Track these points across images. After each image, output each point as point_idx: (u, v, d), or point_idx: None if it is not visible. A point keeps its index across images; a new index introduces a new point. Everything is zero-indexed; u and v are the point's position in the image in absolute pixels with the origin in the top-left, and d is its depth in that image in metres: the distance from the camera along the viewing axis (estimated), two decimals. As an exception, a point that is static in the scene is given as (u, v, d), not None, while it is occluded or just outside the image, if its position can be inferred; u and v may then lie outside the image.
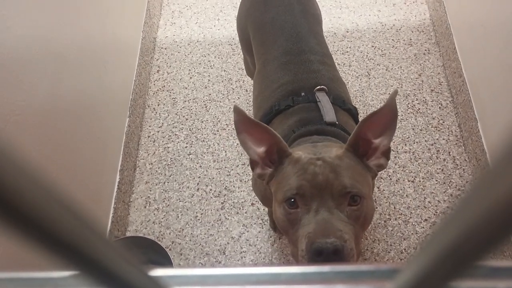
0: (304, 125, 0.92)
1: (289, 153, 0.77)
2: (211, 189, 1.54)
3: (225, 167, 1.58)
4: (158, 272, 0.22)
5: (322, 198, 0.71)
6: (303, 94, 0.97)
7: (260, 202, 1.19)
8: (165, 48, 1.94)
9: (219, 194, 1.52)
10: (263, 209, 1.48)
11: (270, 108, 1.00)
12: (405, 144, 1.59)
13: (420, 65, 1.79)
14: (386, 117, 0.76)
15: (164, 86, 1.82)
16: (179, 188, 1.55)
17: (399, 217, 1.44)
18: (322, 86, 0.97)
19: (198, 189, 1.54)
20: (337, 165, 0.73)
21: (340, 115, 0.96)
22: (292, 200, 0.73)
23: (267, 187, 0.93)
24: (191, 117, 1.72)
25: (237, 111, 0.78)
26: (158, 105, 1.77)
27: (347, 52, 1.85)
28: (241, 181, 1.55)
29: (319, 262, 0.67)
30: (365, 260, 1.37)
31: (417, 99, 1.70)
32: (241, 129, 0.79)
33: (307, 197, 0.72)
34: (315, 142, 0.85)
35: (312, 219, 0.70)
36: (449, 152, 1.57)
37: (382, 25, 1.92)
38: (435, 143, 1.59)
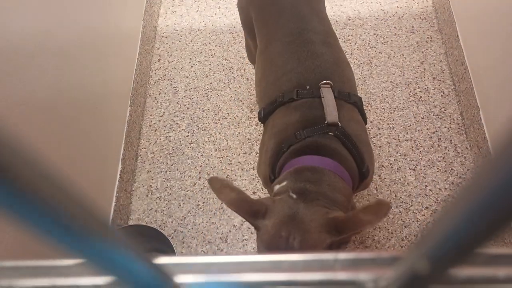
0: (305, 127, 0.91)
1: (264, 211, 0.78)
2: (212, 178, 1.54)
3: (227, 156, 1.58)
4: (162, 260, 0.22)
5: None
6: (308, 87, 0.97)
7: (262, 184, 1.20)
8: (166, 37, 1.93)
9: (220, 183, 1.53)
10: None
11: (275, 98, 1.00)
12: (407, 132, 1.59)
13: (422, 52, 1.78)
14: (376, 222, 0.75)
15: (165, 75, 1.82)
16: (181, 177, 1.56)
17: (400, 205, 1.45)
18: (327, 81, 0.96)
19: (200, 178, 1.55)
20: (303, 240, 0.73)
21: (345, 111, 0.95)
22: None
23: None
24: (192, 106, 1.72)
25: (212, 185, 0.79)
26: (159, 94, 1.77)
27: (349, 40, 1.84)
28: (242, 169, 1.55)
29: None
30: (366, 248, 1.38)
31: (419, 87, 1.69)
32: (221, 198, 0.79)
33: None
34: (302, 186, 0.82)
35: None
36: (451, 140, 1.57)
37: (384, 13, 1.91)
38: (436, 131, 1.59)
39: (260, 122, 1.11)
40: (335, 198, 0.83)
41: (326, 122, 0.90)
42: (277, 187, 0.87)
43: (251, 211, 0.78)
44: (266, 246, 0.75)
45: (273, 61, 1.05)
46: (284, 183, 0.86)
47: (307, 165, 0.86)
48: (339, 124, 0.91)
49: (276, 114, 0.99)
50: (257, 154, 1.57)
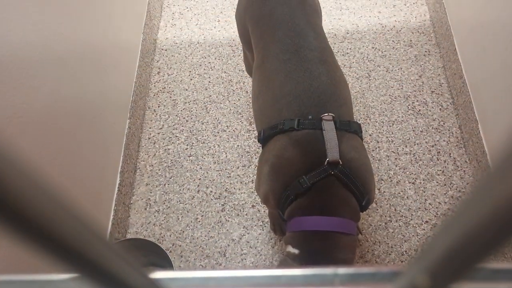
0: (307, 168, 0.92)
1: None
2: (211, 191, 1.54)
3: (226, 169, 1.58)
4: (159, 274, 0.22)
5: None
6: (310, 117, 0.97)
7: (261, 202, 1.19)
8: (166, 50, 1.94)
9: (219, 196, 1.52)
10: (264, 211, 1.48)
11: (275, 124, 1.00)
12: (406, 146, 1.59)
13: (421, 66, 1.79)
14: None
15: (165, 87, 1.82)
16: (180, 190, 1.55)
17: (399, 219, 1.44)
18: (329, 114, 0.97)
19: (198, 191, 1.54)
20: None
21: (345, 140, 0.96)
22: None
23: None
24: (191, 118, 1.72)
25: None
26: (159, 106, 1.77)
27: (347, 53, 1.85)
28: (241, 183, 1.54)
29: None
30: (366, 263, 1.37)
31: (417, 101, 1.70)
32: None
33: None
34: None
35: None
36: (450, 154, 1.57)
37: (383, 27, 1.93)
38: (435, 144, 1.59)
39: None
40: (347, 260, 0.90)
41: (327, 160, 0.91)
42: (290, 249, 0.93)
43: None
44: None
45: (270, 78, 1.05)
46: (296, 252, 0.91)
47: (316, 230, 0.90)
48: (340, 162, 0.91)
49: (276, 142, 0.99)
50: (256, 167, 1.56)
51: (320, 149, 0.93)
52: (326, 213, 0.91)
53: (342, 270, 0.22)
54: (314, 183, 0.91)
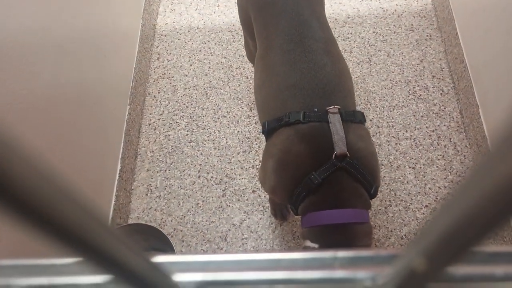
0: (316, 164, 0.92)
1: None
2: (212, 177, 1.54)
3: (226, 155, 1.58)
4: (160, 258, 0.22)
5: None
6: (315, 109, 0.96)
7: (266, 192, 1.19)
8: (165, 35, 1.93)
9: (220, 182, 1.53)
10: (264, 196, 1.48)
11: (281, 117, 0.99)
12: (406, 131, 1.59)
13: (422, 51, 1.78)
14: None
15: (165, 73, 1.82)
16: (180, 175, 1.56)
17: (399, 204, 1.45)
18: (335, 107, 0.96)
19: (199, 177, 1.55)
20: None
21: (352, 131, 0.95)
22: None
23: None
24: (191, 104, 1.72)
25: None
26: (159, 92, 1.77)
27: (348, 38, 1.84)
28: (242, 168, 1.55)
29: None
30: (366, 246, 1.39)
31: (418, 85, 1.69)
32: None
33: None
34: None
35: None
36: (450, 139, 1.57)
37: (384, 11, 1.91)
38: (436, 129, 1.59)
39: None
40: (366, 246, 0.92)
41: (335, 153, 0.91)
42: (309, 244, 0.95)
43: None
44: None
45: (274, 69, 1.04)
46: (316, 246, 0.93)
47: (332, 224, 0.91)
48: (348, 154, 0.91)
49: (281, 135, 0.98)
50: (257, 153, 1.57)
51: (327, 142, 0.93)
52: (339, 205, 0.92)
53: (341, 253, 0.23)
54: (325, 178, 0.91)
